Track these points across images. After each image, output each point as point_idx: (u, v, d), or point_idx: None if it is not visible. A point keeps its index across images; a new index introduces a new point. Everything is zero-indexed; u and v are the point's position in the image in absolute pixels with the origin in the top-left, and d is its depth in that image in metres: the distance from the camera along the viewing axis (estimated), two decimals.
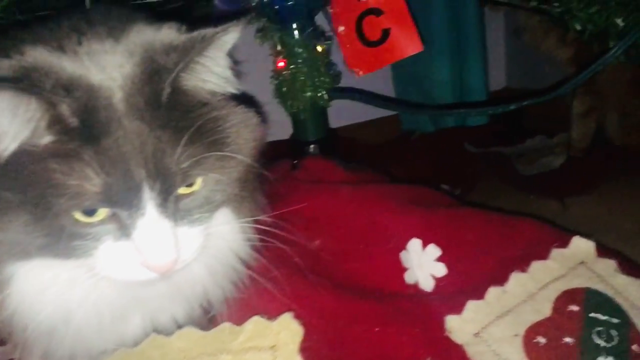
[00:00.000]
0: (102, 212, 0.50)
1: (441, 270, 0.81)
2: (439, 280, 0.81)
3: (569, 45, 1.35)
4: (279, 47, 0.95)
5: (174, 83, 0.51)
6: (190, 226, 0.54)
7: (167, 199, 0.51)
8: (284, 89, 0.95)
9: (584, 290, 0.74)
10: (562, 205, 1.20)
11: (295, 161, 0.98)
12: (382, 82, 1.81)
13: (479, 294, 0.76)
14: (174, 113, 0.51)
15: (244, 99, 0.59)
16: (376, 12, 0.90)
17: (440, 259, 0.81)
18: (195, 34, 0.53)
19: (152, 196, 0.50)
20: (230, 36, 0.53)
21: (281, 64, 0.95)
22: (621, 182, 1.30)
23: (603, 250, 0.77)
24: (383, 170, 1.30)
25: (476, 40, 1.77)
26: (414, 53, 0.90)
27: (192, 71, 0.52)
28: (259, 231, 0.74)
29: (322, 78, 0.94)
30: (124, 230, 0.51)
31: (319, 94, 0.95)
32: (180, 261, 0.53)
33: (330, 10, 0.94)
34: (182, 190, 0.53)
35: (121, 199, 0.49)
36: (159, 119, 0.50)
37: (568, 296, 0.74)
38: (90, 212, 0.50)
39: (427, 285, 0.81)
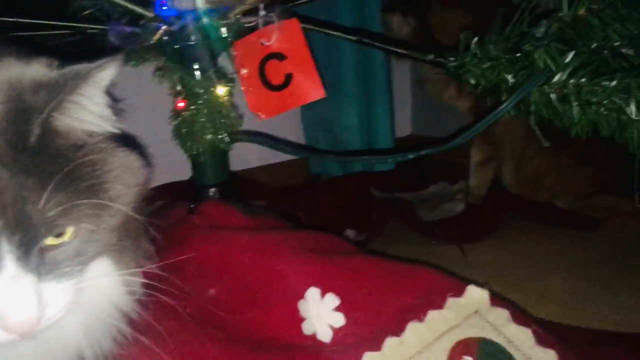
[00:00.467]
0: None
1: (339, 320, 0.79)
2: (337, 331, 0.79)
3: (467, 96, 1.41)
4: (178, 87, 0.92)
5: (44, 124, 0.46)
6: (58, 281, 0.49)
7: (30, 252, 0.46)
8: (184, 130, 0.92)
9: (477, 340, 0.75)
10: (460, 251, 1.23)
11: (193, 205, 0.94)
12: (292, 125, 1.82)
13: (377, 345, 0.74)
14: (42, 156, 0.46)
15: (127, 140, 0.55)
16: (279, 56, 0.89)
17: (338, 309, 0.79)
18: (67, 70, 0.49)
19: (10, 249, 0.44)
20: (107, 72, 0.49)
21: (181, 104, 0.92)
22: (516, 229, 1.35)
23: (496, 300, 0.78)
24: (288, 215, 1.29)
25: (383, 88, 1.83)
26: (316, 99, 0.90)
27: (65, 110, 0.48)
28: (145, 282, 0.69)
29: (223, 120, 0.92)
30: None
31: (220, 137, 0.92)
32: (45, 320, 0.48)
33: (234, 53, 0.92)
34: (50, 241, 0.47)
35: None
36: (22, 163, 0.45)
37: (463, 346, 0.74)
38: None
39: (325, 336, 0.79)
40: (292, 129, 1.82)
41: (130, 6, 0.77)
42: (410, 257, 1.16)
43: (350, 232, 1.35)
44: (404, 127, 2.11)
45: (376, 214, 1.43)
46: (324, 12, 1.60)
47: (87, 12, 0.78)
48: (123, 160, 0.54)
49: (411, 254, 1.22)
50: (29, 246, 0.46)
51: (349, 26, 1.63)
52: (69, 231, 0.49)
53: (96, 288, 0.55)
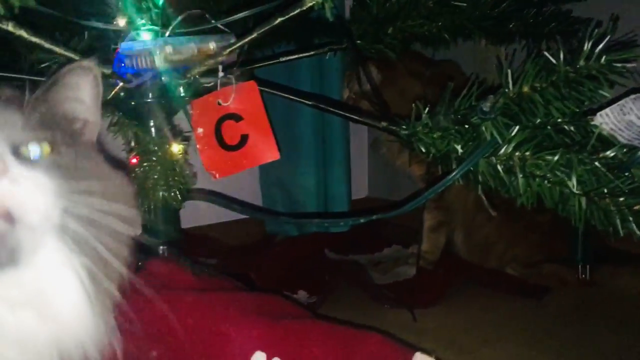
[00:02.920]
0: None
1: None
2: None
3: (419, 163, 1.45)
4: (132, 143, 0.92)
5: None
6: (37, 182, 0.48)
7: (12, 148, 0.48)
8: (135, 186, 0.91)
9: None
10: (412, 316, 1.23)
11: (140, 263, 0.92)
12: (249, 185, 1.82)
13: None
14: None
15: None
16: (236, 117, 0.90)
17: None
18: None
19: None
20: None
21: (134, 160, 0.91)
22: (467, 295, 1.36)
23: None
24: (240, 274, 1.27)
25: (341, 150, 1.86)
26: (271, 160, 0.90)
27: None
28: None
29: (177, 178, 0.91)
30: None
31: (172, 194, 0.91)
32: (21, 200, 0.46)
33: (190, 111, 0.93)
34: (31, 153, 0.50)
35: None
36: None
37: None
38: None
39: None
40: (249, 189, 1.82)
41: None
42: (361, 321, 1.15)
43: (302, 294, 1.34)
44: (360, 189, 2.13)
45: (329, 276, 1.42)
46: (284, 75, 1.64)
47: (44, 65, 0.77)
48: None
49: (363, 318, 1.21)
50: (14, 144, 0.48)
51: (308, 88, 1.68)
52: (46, 148, 0.50)
53: None
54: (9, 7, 0.39)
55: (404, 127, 0.86)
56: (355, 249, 1.63)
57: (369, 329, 0.87)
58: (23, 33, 0.58)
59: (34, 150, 0.50)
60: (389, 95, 1.31)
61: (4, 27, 0.53)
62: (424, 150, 0.85)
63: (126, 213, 0.56)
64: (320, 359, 0.79)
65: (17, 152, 0.49)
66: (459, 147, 0.81)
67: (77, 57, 0.72)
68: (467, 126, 0.79)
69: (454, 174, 0.81)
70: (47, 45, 0.65)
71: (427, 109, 0.84)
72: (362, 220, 0.91)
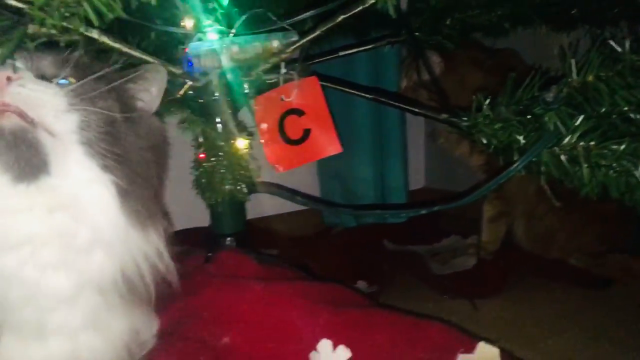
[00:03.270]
0: None
1: None
2: None
3: (479, 153, 1.44)
4: (200, 139, 0.96)
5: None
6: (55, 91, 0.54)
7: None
8: (204, 180, 0.95)
9: None
10: (472, 306, 1.23)
11: (210, 254, 0.97)
12: (308, 177, 1.86)
13: None
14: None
15: None
16: (298, 112, 0.93)
17: None
18: None
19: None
20: None
21: (202, 155, 0.96)
22: (528, 286, 1.35)
23: (507, 357, 0.79)
24: (301, 264, 1.30)
25: (398, 141, 1.86)
26: (333, 154, 0.92)
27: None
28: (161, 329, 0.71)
29: (242, 172, 0.95)
30: None
31: (239, 188, 0.95)
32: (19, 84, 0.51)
33: (255, 107, 0.96)
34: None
35: None
36: None
37: None
38: None
39: None
40: (308, 181, 1.85)
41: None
42: (421, 311, 1.16)
43: (361, 284, 1.36)
44: (417, 179, 2.13)
45: (388, 267, 1.44)
46: (341, 68, 1.65)
47: (117, 65, 0.82)
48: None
49: (422, 308, 1.22)
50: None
51: (364, 81, 1.69)
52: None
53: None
54: (100, 17, 0.43)
55: (464, 118, 0.86)
56: (414, 239, 1.64)
57: (431, 318, 0.89)
58: (106, 39, 0.62)
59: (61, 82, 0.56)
60: (449, 84, 1.31)
61: (90, 34, 0.58)
62: (485, 141, 0.85)
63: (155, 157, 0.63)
64: (385, 347, 0.81)
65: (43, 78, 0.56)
66: (521, 138, 0.81)
67: (150, 59, 0.76)
68: (529, 117, 0.79)
69: (516, 165, 0.81)
70: (125, 49, 0.69)
71: (488, 100, 0.84)
72: (423, 212, 0.92)
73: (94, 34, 0.59)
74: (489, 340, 0.81)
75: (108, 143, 0.56)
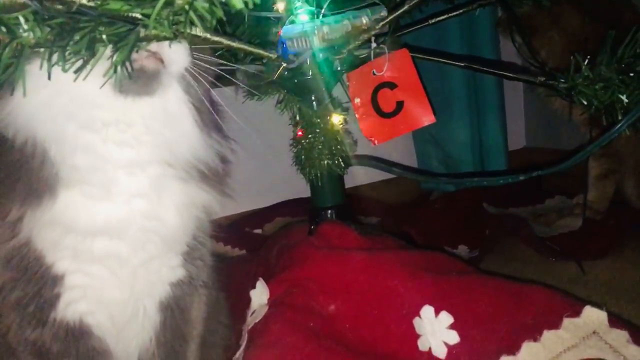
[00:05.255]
0: None
1: (454, 337, 0.82)
2: (451, 348, 0.82)
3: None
4: (297, 118, 1.00)
5: None
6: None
7: None
8: (302, 157, 1.00)
9: None
10: (580, 269, 1.20)
11: (312, 226, 1.02)
12: (403, 142, 1.86)
13: None
14: None
15: None
16: (390, 85, 0.94)
17: (452, 327, 0.83)
18: None
19: None
20: None
21: (300, 133, 1.00)
22: (638, 246, 1.30)
23: (615, 321, 0.78)
24: (400, 231, 1.33)
25: (494, 102, 1.82)
26: (427, 124, 0.93)
27: None
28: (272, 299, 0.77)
29: (338, 147, 0.98)
30: None
31: (336, 162, 0.98)
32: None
33: (347, 83, 0.99)
34: None
35: None
36: None
37: None
38: None
39: (440, 352, 0.82)
40: (403, 146, 1.86)
41: (256, 50, 0.86)
42: (525, 275, 1.16)
43: (462, 248, 1.36)
44: (517, 139, 2.07)
45: (489, 230, 1.43)
46: (433, 35, 1.63)
47: (217, 53, 0.87)
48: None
49: (526, 272, 1.21)
50: None
51: (458, 46, 1.66)
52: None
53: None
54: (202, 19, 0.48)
55: (562, 80, 0.84)
56: (515, 201, 1.61)
57: (535, 283, 0.89)
58: (208, 35, 0.67)
59: None
60: (553, 36, 1.26)
61: (195, 33, 0.63)
62: (585, 103, 0.83)
63: None
64: (488, 312, 0.82)
65: None
66: (624, 97, 0.78)
67: (244, 47, 0.81)
68: (632, 75, 0.76)
69: (619, 126, 0.78)
70: (225, 41, 0.74)
71: (587, 59, 0.81)
72: (521, 178, 0.92)
73: (199, 32, 0.64)
74: (596, 304, 0.80)
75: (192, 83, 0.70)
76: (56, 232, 0.67)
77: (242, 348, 0.86)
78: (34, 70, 0.59)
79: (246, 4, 0.48)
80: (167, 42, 0.61)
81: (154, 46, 0.62)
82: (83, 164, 0.66)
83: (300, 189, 1.17)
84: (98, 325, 0.74)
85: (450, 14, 1.06)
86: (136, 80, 0.63)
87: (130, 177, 0.68)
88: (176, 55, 0.66)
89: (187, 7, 0.47)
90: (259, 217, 1.54)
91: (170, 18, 0.49)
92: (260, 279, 0.93)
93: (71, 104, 0.64)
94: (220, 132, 0.78)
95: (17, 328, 0.72)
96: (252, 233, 1.48)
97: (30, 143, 0.65)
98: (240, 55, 0.94)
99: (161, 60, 0.65)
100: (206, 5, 0.48)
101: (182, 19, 0.49)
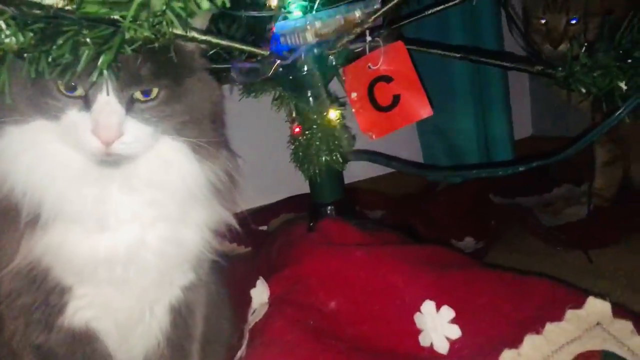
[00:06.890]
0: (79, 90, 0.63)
1: (455, 332, 0.82)
2: (453, 343, 0.81)
3: None
4: (294, 114, 0.99)
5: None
6: (139, 121, 0.65)
7: (123, 92, 0.63)
8: (300, 153, 0.99)
9: (600, 352, 0.74)
10: (587, 258, 1.19)
11: (312, 223, 1.01)
12: (407, 134, 1.84)
13: (494, 358, 0.76)
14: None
15: None
16: (386, 79, 0.93)
17: (454, 321, 0.82)
18: None
19: (113, 86, 0.61)
20: None
21: (297, 129, 0.99)
22: None
23: (619, 311, 0.77)
24: (405, 225, 1.32)
25: (500, 90, 1.79)
26: (424, 117, 0.92)
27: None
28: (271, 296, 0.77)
29: (336, 142, 0.97)
30: (87, 104, 0.62)
31: (334, 158, 0.98)
32: (121, 142, 0.63)
33: (343, 78, 0.98)
34: (139, 95, 0.64)
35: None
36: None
37: (584, 359, 0.74)
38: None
39: (442, 347, 0.82)
40: (407, 138, 1.84)
41: (248, 48, 0.85)
42: (531, 265, 1.15)
43: (469, 240, 1.35)
44: (524, 128, 2.05)
45: (495, 221, 1.42)
46: (434, 25, 1.61)
47: (211, 52, 0.86)
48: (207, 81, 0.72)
49: (533, 262, 1.20)
50: (124, 88, 0.63)
51: (461, 35, 1.64)
52: (154, 91, 0.65)
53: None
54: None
55: (559, 69, 0.83)
56: (522, 191, 1.59)
57: (539, 274, 0.88)
58: (195, 34, 0.67)
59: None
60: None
61: (179, 33, 0.63)
62: (583, 90, 0.81)
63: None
64: (489, 306, 0.81)
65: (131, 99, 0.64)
66: (622, 84, 0.77)
67: (238, 46, 0.80)
68: (630, 61, 0.75)
69: (618, 113, 0.77)
70: (214, 40, 0.73)
71: (584, 47, 0.80)
72: (521, 169, 0.90)
73: (180, 31, 0.63)
74: (600, 295, 0.78)
75: (180, 123, 0.69)
76: (59, 257, 0.68)
77: (243, 347, 0.86)
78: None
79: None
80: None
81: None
82: (72, 210, 0.67)
83: (302, 185, 1.17)
84: (103, 330, 0.75)
85: (448, 4, 1.05)
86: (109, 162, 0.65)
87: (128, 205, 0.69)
88: (135, 146, 0.65)
89: (164, 7, 0.47)
90: (264, 213, 1.54)
91: (150, 20, 0.49)
92: (261, 277, 0.93)
93: (55, 169, 0.66)
94: (227, 148, 0.77)
95: (23, 333, 0.73)
96: (257, 230, 1.48)
97: (18, 192, 0.67)
98: (235, 53, 0.93)
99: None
100: (182, 4, 0.47)
101: (161, 19, 0.48)
